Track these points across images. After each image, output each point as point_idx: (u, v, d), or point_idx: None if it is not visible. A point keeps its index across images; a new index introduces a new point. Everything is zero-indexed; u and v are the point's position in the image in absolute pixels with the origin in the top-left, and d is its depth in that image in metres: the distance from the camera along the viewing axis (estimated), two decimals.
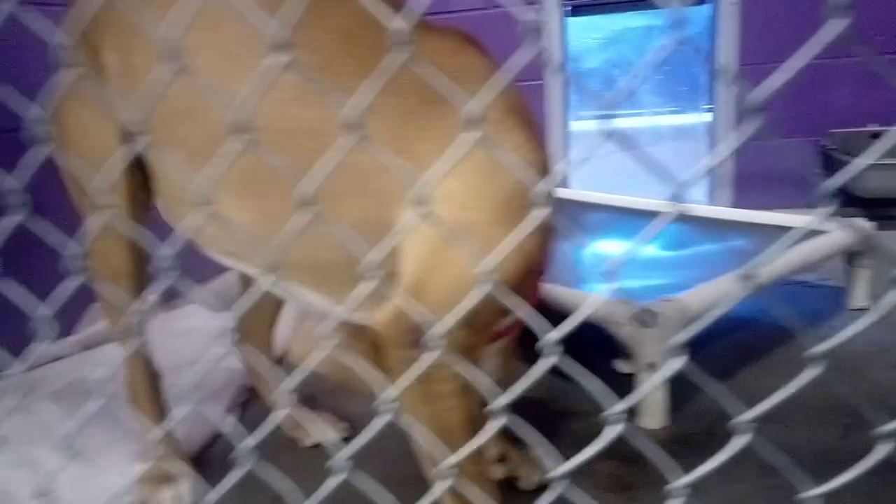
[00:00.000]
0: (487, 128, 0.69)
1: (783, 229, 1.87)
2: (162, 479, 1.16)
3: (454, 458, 0.51)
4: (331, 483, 0.58)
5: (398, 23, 0.43)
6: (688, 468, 0.45)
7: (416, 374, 0.58)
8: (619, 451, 1.19)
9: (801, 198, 2.38)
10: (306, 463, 1.27)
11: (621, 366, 1.54)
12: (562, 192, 2.35)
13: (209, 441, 1.35)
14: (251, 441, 0.60)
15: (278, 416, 0.62)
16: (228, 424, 1.37)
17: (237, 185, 0.85)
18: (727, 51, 2.43)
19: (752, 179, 2.54)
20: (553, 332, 0.46)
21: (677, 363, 0.43)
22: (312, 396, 1.44)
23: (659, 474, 0.46)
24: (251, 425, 0.65)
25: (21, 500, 1.06)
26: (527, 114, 0.86)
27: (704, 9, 2.49)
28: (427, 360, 0.54)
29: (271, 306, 1.33)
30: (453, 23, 0.88)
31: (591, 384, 0.45)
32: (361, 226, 0.79)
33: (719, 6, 2.43)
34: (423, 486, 0.72)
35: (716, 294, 1.29)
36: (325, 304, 0.94)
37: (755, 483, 1.11)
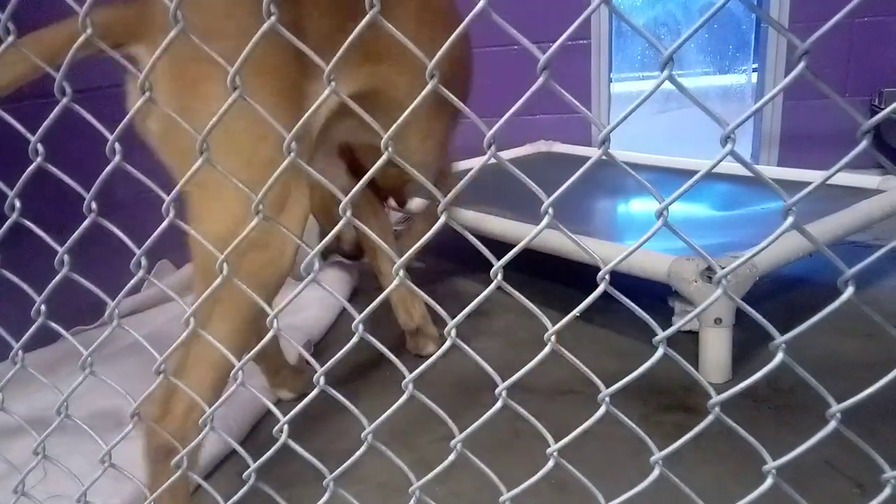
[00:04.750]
0: None
1: (832, 188, 1.88)
2: None
3: None
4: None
5: None
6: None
7: None
8: (685, 405, 1.24)
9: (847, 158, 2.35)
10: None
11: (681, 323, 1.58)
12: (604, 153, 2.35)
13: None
14: None
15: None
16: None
17: None
18: (778, 8, 2.40)
19: (797, 139, 2.52)
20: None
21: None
22: None
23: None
24: None
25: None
26: None
27: None
28: None
29: None
30: None
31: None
32: None
33: None
34: None
35: (782, 251, 1.31)
36: None
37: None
